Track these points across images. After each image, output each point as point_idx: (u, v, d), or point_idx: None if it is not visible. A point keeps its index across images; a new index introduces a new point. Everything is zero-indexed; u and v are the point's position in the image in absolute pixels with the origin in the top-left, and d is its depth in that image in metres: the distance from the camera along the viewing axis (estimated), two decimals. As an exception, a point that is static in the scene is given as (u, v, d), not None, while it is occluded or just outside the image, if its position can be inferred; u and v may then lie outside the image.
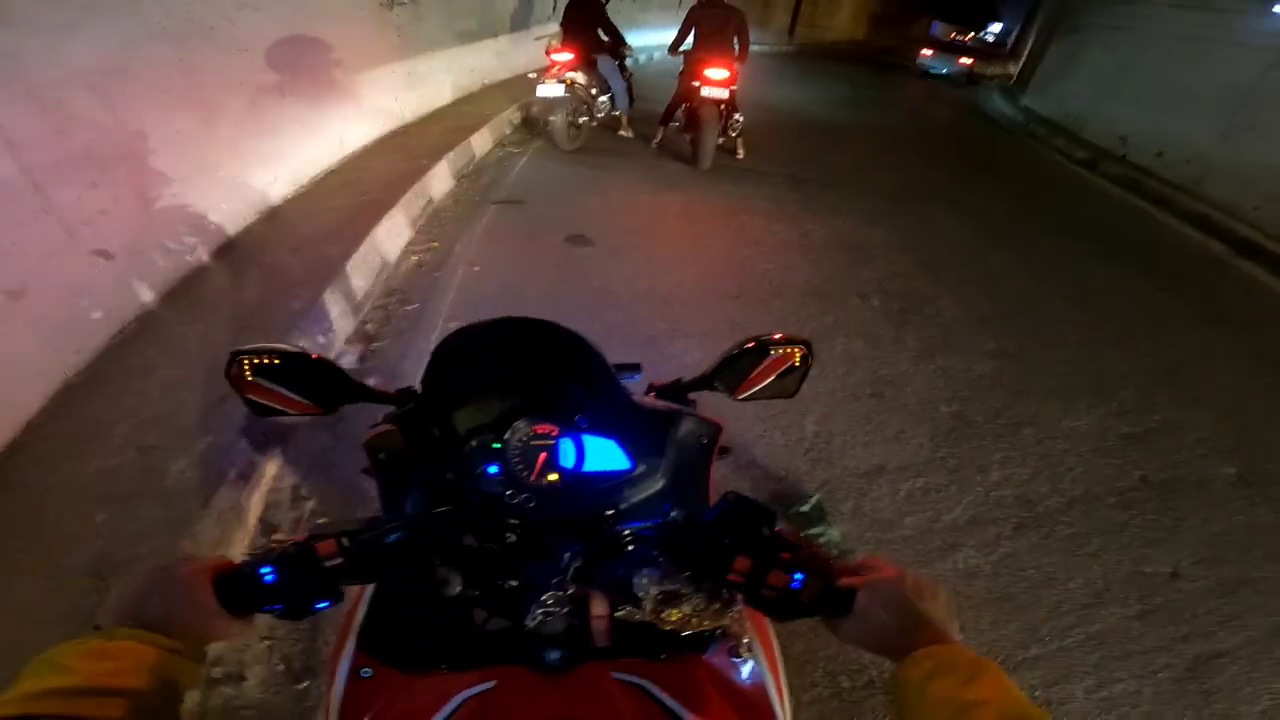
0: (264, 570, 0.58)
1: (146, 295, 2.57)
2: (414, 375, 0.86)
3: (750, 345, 0.91)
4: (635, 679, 0.68)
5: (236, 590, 0.58)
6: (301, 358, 0.79)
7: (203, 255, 2.92)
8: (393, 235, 3.54)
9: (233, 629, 0.59)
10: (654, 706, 0.66)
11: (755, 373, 0.92)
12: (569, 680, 0.68)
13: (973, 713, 0.46)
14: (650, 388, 1.02)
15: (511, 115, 6.17)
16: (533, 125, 6.21)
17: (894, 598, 0.57)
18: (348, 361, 2.67)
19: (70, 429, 1.92)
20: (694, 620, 0.65)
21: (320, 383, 0.82)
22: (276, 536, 0.67)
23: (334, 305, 2.78)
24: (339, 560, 0.60)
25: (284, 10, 3.49)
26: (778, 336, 0.91)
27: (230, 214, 3.15)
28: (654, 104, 6.22)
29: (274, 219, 3.42)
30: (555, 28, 5.73)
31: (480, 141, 5.33)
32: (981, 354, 3.29)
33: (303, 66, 3.73)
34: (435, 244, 3.74)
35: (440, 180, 4.42)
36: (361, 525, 0.64)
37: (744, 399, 0.94)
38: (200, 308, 2.61)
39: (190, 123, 2.82)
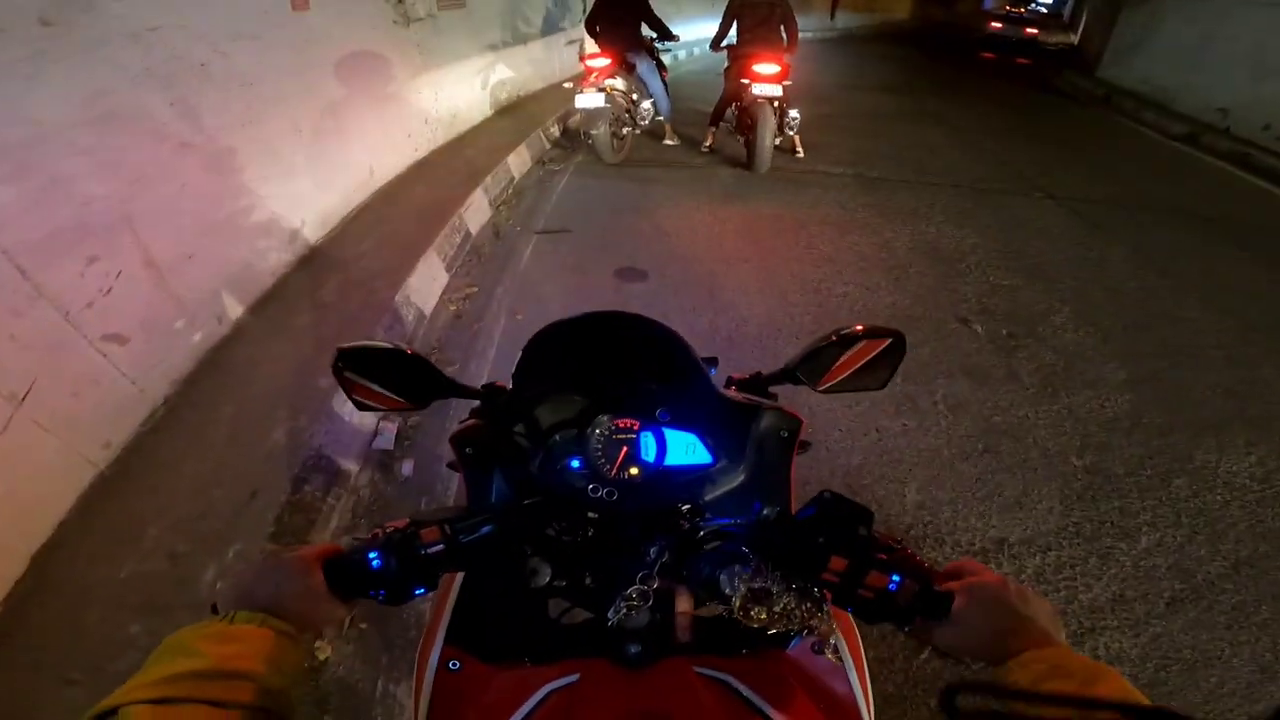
0: (371, 555, 0.63)
1: (173, 374, 2.40)
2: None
3: (834, 338, 0.88)
4: (718, 674, 0.69)
5: (344, 575, 0.62)
6: (397, 354, 0.84)
7: (226, 324, 2.71)
8: (427, 281, 3.29)
9: (338, 612, 0.62)
10: (737, 702, 0.66)
11: (839, 363, 0.90)
12: (651, 674, 0.69)
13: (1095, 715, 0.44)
14: (729, 381, 1.02)
15: (549, 129, 5.88)
16: (573, 138, 5.94)
17: (996, 602, 0.56)
18: (383, 443, 2.43)
19: (103, 527, 1.87)
20: (783, 620, 0.64)
21: (414, 378, 0.86)
22: (382, 524, 0.68)
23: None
24: (439, 548, 0.64)
25: (286, 38, 3.20)
26: (863, 328, 0.88)
27: (253, 272, 2.95)
28: (695, 104, 5.82)
29: (303, 271, 3.22)
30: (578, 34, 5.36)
31: (518, 161, 5.05)
32: (1113, 386, 2.83)
33: (318, 96, 3.49)
34: (474, 288, 3.47)
35: (477, 211, 4.15)
36: (459, 514, 0.68)
37: (826, 390, 0.92)
38: (227, 387, 2.44)
39: (197, 172, 2.58)
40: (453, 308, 3.29)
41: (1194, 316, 3.38)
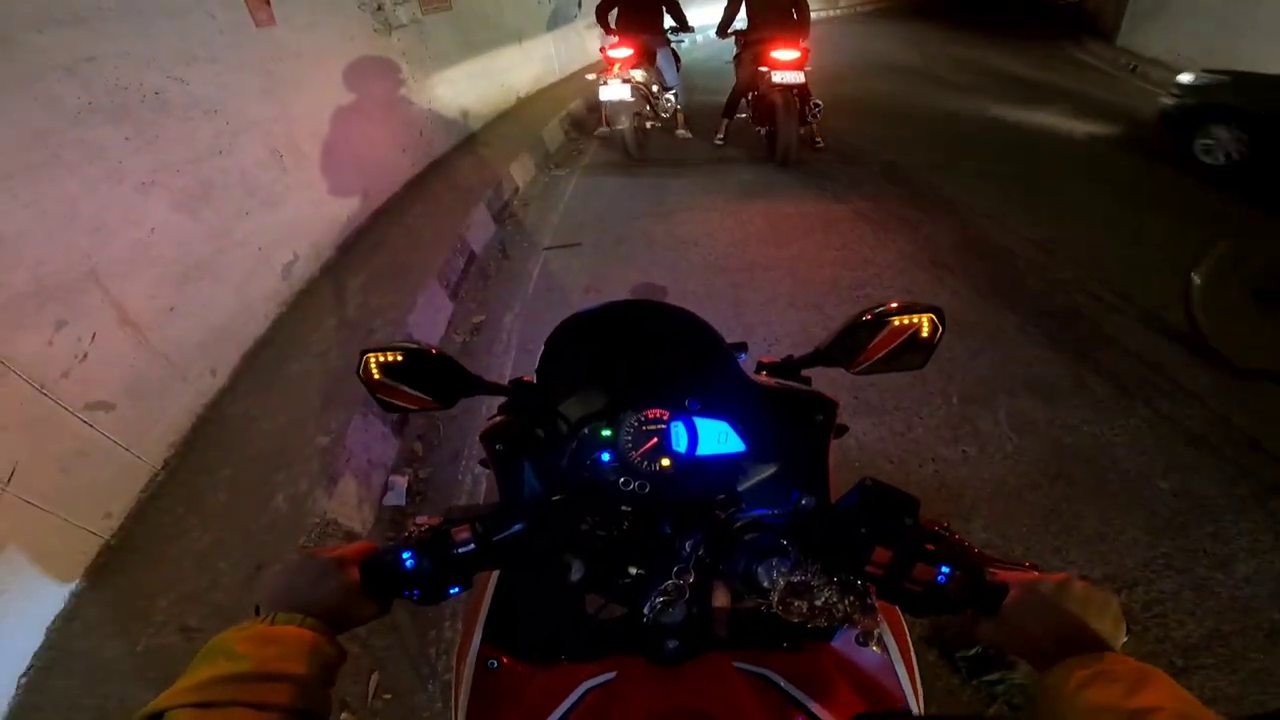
0: (405, 555, 0.65)
1: (170, 436, 2.32)
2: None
3: (868, 317, 0.87)
4: (758, 669, 0.69)
5: (379, 575, 0.65)
6: (423, 354, 0.85)
7: (221, 377, 2.61)
8: (430, 312, 3.15)
9: (374, 612, 0.65)
10: (778, 696, 0.66)
11: (874, 344, 0.87)
12: (689, 670, 0.70)
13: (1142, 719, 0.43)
14: (759, 366, 1.02)
15: (551, 132, 5.69)
16: (582, 130, 5.83)
17: (1051, 602, 0.54)
18: (394, 499, 2.32)
19: (114, 599, 1.88)
20: (824, 614, 0.62)
21: (440, 377, 0.86)
22: (416, 521, 0.70)
23: (371, 427, 2.37)
24: (470, 546, 0.67)
25: (251, 58, 3.01)
26: (898, 304, 0.86)
27: (245, 317, 2.83)
28: (701, 95, 5.59)
29: (298, 310, 3.11)
30: (578, 27, 5.19)
31: (521, 170, 4.93)
32: (1199, 395, 2.61)
33: (297, 118, 3.33)
34: (481, 316, 3.33)
35: (480, 228, 4.02)
36: (491, 511, 0.71)
37: (861, 372, 0.91)
38: (226, 447, 2.36)
39: (165, 213, 2.43)
40: (459, 339, 3.16)
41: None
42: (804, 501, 0.68)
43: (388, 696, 1.75)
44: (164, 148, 2.42)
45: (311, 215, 3.36)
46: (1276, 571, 1.92)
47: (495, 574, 0.85)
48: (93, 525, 1.98)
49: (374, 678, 1.78)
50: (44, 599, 1.82)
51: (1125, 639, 0.55)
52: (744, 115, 5.43)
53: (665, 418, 0.87)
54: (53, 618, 1.81)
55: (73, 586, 1.89)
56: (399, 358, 0.85)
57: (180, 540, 2.01)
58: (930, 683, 1.67)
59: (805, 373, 0.99)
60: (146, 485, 2.19)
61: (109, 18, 2.23)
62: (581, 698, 0.67)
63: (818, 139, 5.37)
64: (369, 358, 0.85)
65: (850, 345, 0.89)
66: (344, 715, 1.68)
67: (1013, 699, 1.67)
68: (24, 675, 1.71)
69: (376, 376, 0.85)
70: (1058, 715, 0.49)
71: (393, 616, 1.90)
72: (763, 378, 0.96)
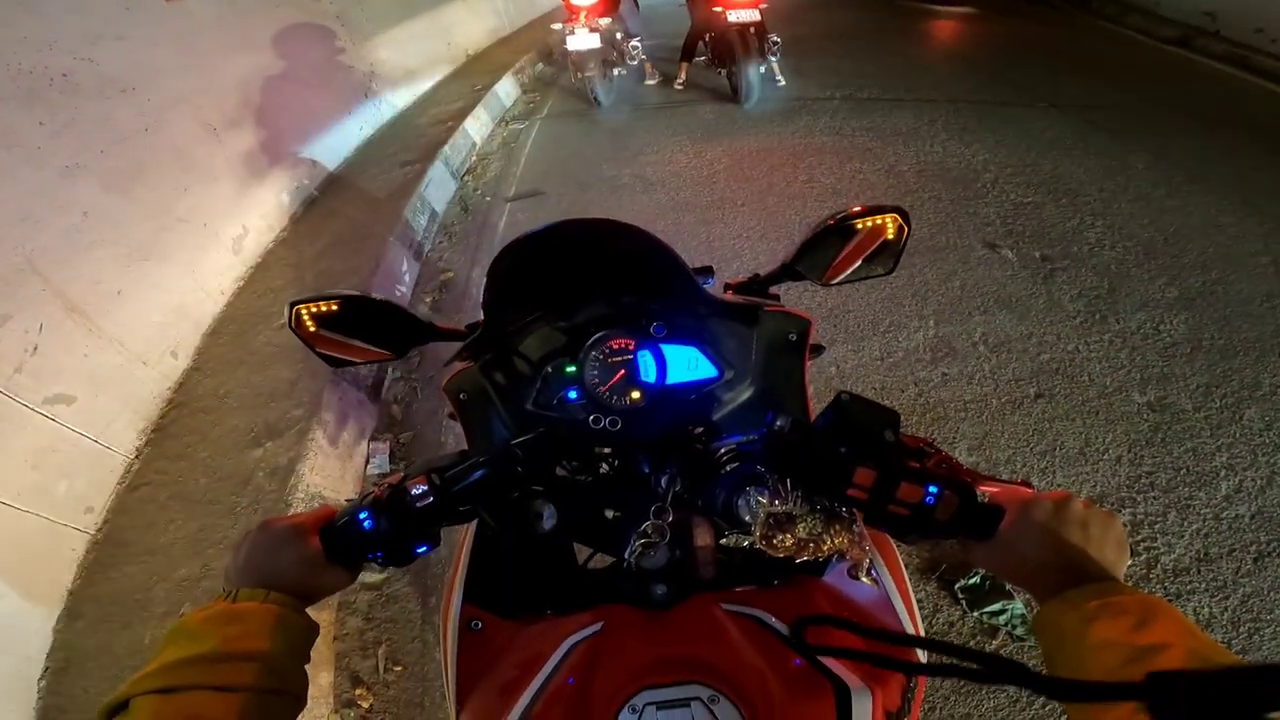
0: (362, 516, 0.60)
1: (139, 423, 2.24)
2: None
3: (831, 223, 0.82)
4: (747, 609, 0.65)
5: (340, 540, 0.60)
6: (363, 301, 0.79)
7: (183, 357, 2.50)
8: (395, 273, 3.05)
9: (340, 580, 0.61)
10: (770, 638, 0.62)
11: (843, 254, 0.85)
12: (677, 616, 0.65)
13: (1151, 657, 0.40)
14: (725, 287, 0.96)
15: (506, 86, 5.47)
16: (539, 82, 5.66)
17: (1050, 526, 0.50)
18: (377, 467, 2.26)
19: (113, 594, 1.84)
20: (810, 546, 0.59)
21: (387, 326, 0.81)
22: (379, 482, 0.66)
23: (345, 395, 2.30)
24: (429, 500, 0.61)
25: (164, 33, 2.77)
26: (861, 208, 0.82)
27: (200, 294, 2.70)
28: (658, 39, 5.40)
29: (257, 281, 2.98)
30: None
31: (477, 125, 4.74)
32: (1165, 305, 2.66)
33: (226, 91, 3.11)
34: (449, 273, 3.23)
35: (439, 186, 3.88)
36: (449, 461, 0.65)
37: (833, 283, 0.88)
38: (198, 428, 2.27)
39: (97, 195, 2.27)
40: (428, 299, 3.07)
41: (1233, 222, 3.17)
42: (779, 423, 0.61)
43: (398, 669, 1.72)
44: (84, 130, 2.26)
45: (257, 187, 3.18)
46: (1256, 489, 1.95)
47: (472, 530, 0.79)
48: (76, 522, 1.93)
49: (382, 650, 1.75)
50: (43, 600, 1.79)
51: (1129, 562, 0.52)
52: (703, 58, 5.28)
53: (631, 347, 0.81)
54: (56, 618, 1.79)
55: (68, 585, 1.85)
56: (334, 307, 0.78)
57: (166, 529, 1.96)
58: (929, 616, 1.68)
59: (775, 292, 0.94)
60: (123, 476, 2.12)
61: (-1, 4, 2.05)
62: (568, 652, 0.63)
63: (778, 78, 5.22)
64: (299, 309, 0.78)
65: (817, 258, 0.85)
66: (358, 691, 1.66)
67: (1015, 630, 1.66)
68: (41, 678, 1.67)
69: (313, 329, 0.79)
70: (1063, 649, 0.46)
71: (390, 585, 1.90)
72: (729, 296, 0.91)
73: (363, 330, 0.81)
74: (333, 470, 2.11)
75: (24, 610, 1.72)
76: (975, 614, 1.70)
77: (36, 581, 1.78)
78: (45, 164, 2.10)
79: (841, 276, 0.86)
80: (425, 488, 0.61)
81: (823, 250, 0.84)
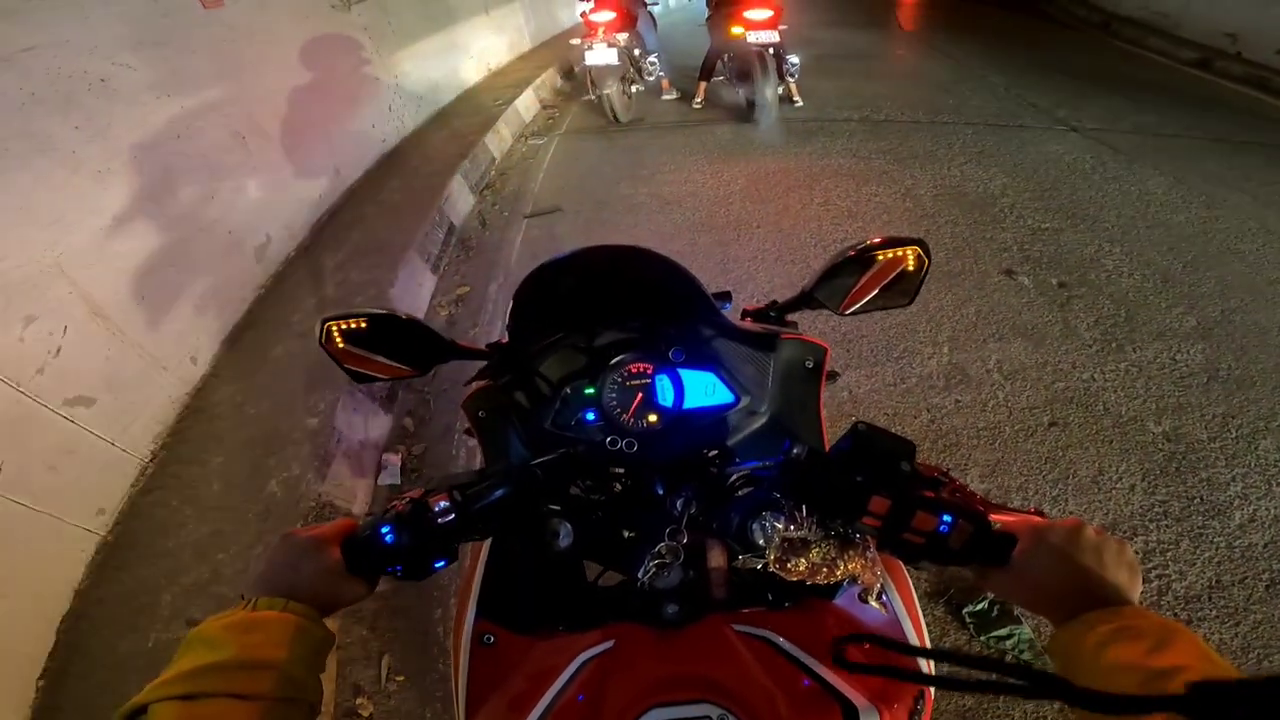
0: (384, 530, 0.61)
1: (155, 427, 2.26)
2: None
3: (851, 254, 0.83)
4: (758, 631, 0.66)
5: (360, 552, 0.61)
6: (391, 319, 0.81)
7: (202, 364, 2.53)
8: (412, 286, 3.09)
9: (359, 591, 0.62)
10: (780, 659, 0.63)
11: (861, 284, 0.84)
12: (688, 636, 0.66)
13: (1168, 680, 0.40)
14: (743, 314, 0.98)
15: (526, 101, 5.55)
16: (558, 97, 5.74)
17: (1063, 551, 0.51)
18: (388, 478, 2.28)
19: (119, 595, 1.85)
20: (824, 570, 0.60)
21: (411, 343, 0.83)
22: (401, 495, 0.66)
23: (360, 406, 2.34)
24: (450, 516, 0.62)
25: (201, 40, 2.78)
26: (881, 239, 0.82)
27: (221, 300, 2.74)
28: (676, 58, 5.45)
29: (277, 290, 3.01)
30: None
31: (496, 140, 4.79)
32: (1182, 335, 2.63)
33: (257, 99, 3.16)
34: (465, 288, 3.26)
35: (458, 200, 3.92)
36: (470, 478, 0.65)
37: (850, 312, 0.87)
38: (214, 434, 2.29)
39: (126, 201, 2.28)
40: (444, 313, 3.09)
41: (1254, 249, 3.15)
42: (796, 451, 0.62)
43: (400, 679, 1.72)
44: (118, 135, 2.30)
45: (281, 196, 3.22)
46: (1270, 518, 1.93)
47: (487, 546, 0.80)
48: (88, 523, 1.94)
49: (385, 660, 1.75)
50: (49, 600, 1.79)
51: (1142, 589, 0.53)
52: (721, 77, 5.33)
53: (649, 371, 0.83)
54: (61, 618, 1.79)
55: (76, 585, 1.86)
56: (363, 325, 0.80)
57: (177, 533, 1.96)
58: (937, 640, 1.68)
59: (793, 319, 0.95)
60: (136, 479, 2.13)
61: (42, 7, 2.09)
62: (580, 669, 0.64)
63: (795, 98, 5.26)
64: (330, 326, 0.80)
65: (835, 286, 0.85)
66: (359, 700, 1.66)
67: (1021, 654, 1.65)
68: (40, 678, 1.68)
69: (341, 345, 0.81)
70: (1076, 673, 0.46)
71: (397, 597, 1.90)
72: (748, 324, 0.91)
73: (388, 347, 0.82)
74: (345, 480, 2.12)
75: (29, 610, 1.72)
76: (983, 638, 1.69)
77: (45, 581, 1.79)
78: (79, 168, 2.13)
79: (858, 306, 0.86)
80: (447, 504, 0.62)
81: (841, 279, 0.85)
